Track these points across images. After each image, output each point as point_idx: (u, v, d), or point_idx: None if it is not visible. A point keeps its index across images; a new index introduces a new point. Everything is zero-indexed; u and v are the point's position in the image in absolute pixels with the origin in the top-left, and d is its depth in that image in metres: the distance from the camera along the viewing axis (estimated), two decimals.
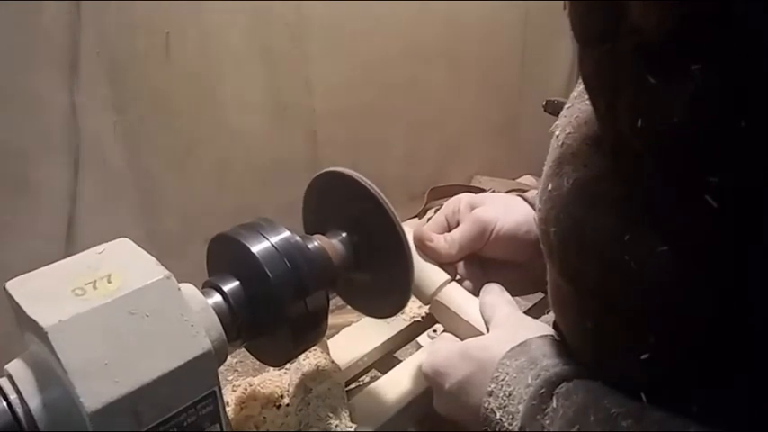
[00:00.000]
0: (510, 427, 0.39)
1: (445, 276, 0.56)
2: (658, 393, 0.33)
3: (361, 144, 1.14)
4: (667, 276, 0.30)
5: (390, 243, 0.50)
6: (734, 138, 0.25)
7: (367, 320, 0.68)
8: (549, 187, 0.38)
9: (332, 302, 0.81)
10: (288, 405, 0.55)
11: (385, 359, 0.66)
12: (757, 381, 0.30)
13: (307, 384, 0.54)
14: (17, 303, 0.36)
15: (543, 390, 0.38)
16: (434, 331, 0.67)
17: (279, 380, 0.58)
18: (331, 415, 0.51)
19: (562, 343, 0.43)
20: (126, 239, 0.43)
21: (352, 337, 0.67)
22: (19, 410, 0.35)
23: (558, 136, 0.39)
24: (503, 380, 0.41)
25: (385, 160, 1.20)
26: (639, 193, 0.31)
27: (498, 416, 0.40)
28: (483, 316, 0.51)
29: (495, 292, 0.53)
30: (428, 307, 0.58)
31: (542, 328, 0.46)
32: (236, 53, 0.90)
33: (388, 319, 0.65)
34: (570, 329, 0.41)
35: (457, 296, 0.55)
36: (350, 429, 0.51)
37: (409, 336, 0.68)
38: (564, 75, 1.47)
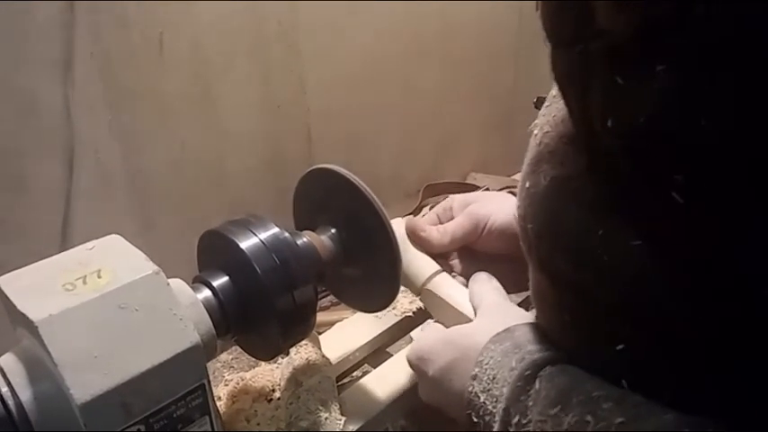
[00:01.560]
0: (494, 410, 0.40)
1: (436, 267, 0.57)
2: (635, 383, 0.34)
3: (356, 142, 1.15)
4: (640, 269, 0.30)
5: (378, 238, 0.51)
6: (695, 136, 0.25)
7: (359, 316, 0.69)
8: (527, 185, 0.38)
9: (327, 299, 0.82)
10: (279, 398, 0.55)
11: (376, 354, 0.67)
12: (731, 372, 0.30)
13: (298, 378, 0.55)
14: (8, 299, 0.37)
15: (528, 372, 0.38)
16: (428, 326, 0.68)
17: (270, 374, 0.59)
18: (321, 408, 0.52)
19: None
20: (116, 236, 0.44)
21: (344, 332, 0.67)
22: (10, 403, 0.36)
23: (536, 134, 0.39)
24: (487, 364, 0.42)
25: (380, 158, 1.21)
26: (614, 189, 0.32)
27: (482, 399, 0.41)
28: (471, 299, 0.52)
29: (482, 281, 0.54)
30: (419, 298, 0.59)
31: (528, 317, 0.47)
32: (229, 51, 0.91)
33: (379, 315, 0.66)
34: (550, 323, 0.42)
35: (447, 286, 0.56)
36: (339, 422, 0.52)
37: (401, 331, 0.69)
38: None
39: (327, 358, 0.59)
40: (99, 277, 0.39)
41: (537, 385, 0.37)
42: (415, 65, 1.19)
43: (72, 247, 0.43)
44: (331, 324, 0.70)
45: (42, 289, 0.38)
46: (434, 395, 0.49)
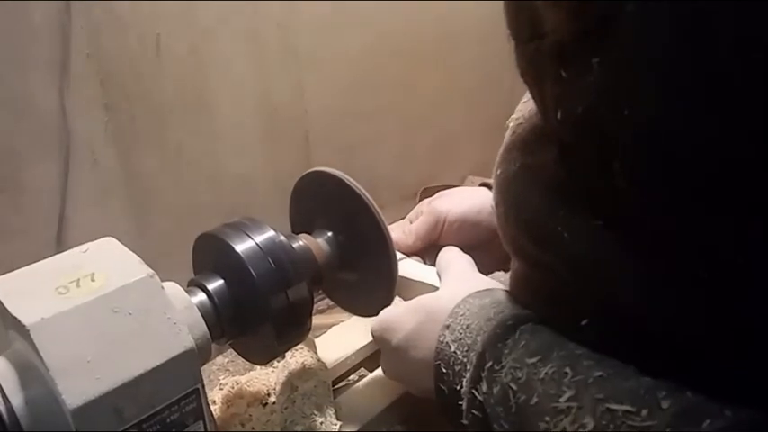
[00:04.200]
0: (464, 359, 0.40)
1: (400, 255, 0.58)
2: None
3: (354, 145, 1.14)
4: (597, 248, 0.32)
5: (375, 242, 0.50)
6: (621, 125, 0.27)
7: (355, 319, 0.69)
8: (498, 172, 0.40)
9: (323, 302, 0.82)
10: (274, 403, 0.55)
11: (373, 358, 0.67)
12: (688, 355, 0.30)
13: (293, 382, 0.54)
14: (0, 302, 0.37)
15: (510, 322, 0.39)
16: None
17: (266, 378, 0.58)
18: (316, 412, 0.52)
19: None
20: (111, 239, 0.44)
21: (340, 336, 0.67)
22: (1, 407, 0.35)
23: (511, 127, 0.41)
24: (462, 315, 0.42)
25: (377, 161, 1.21)
26: (574, 175, 0.33)
27: (453, 349, 0.41)
28: (438, 269, 0.53)
29: (454, 250, 0.55)
30: None
31: (498, 286, 0.47)
32: (227, 54, 0.90)
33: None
34: (525, 303, 0.42)
35: (411, 266, 0.57)
36: (335, 427, 0.51)
37: None
38: None
39: (323, 362, 0.58)
40: (93, 280, 0.38)
41: (517, 335, 0.37)
42: (414, 68, 1.19)
43: (67, 249, 0.43)
44: (327, 327, 0.70)
45: (35, 292, 0.37)
46: (398, 366, 0.49)
